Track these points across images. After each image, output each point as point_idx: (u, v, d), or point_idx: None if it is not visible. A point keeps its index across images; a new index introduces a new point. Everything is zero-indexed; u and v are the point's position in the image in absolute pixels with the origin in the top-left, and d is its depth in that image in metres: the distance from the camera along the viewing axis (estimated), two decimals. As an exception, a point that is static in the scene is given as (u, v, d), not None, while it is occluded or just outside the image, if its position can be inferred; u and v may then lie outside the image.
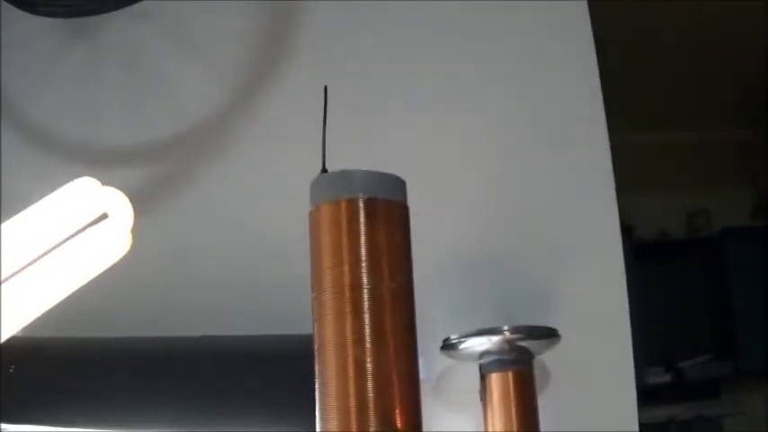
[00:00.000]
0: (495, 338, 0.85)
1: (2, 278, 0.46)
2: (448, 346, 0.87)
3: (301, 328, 0.74)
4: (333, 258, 0.59)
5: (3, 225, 0.47)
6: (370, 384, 0.57)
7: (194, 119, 1.01)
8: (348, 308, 0.58)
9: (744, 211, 3.13)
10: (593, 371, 0.97)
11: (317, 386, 0.59)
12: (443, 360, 0.91)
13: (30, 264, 0.47)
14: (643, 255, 2.69)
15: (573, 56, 1.06)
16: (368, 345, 0.57)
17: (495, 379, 0.87)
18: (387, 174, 0.61)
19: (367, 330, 0.57)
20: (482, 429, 0.87)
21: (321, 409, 0.58)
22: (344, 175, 0.60)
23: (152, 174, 1.00)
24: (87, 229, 0.49)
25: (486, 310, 0.93)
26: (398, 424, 0.57)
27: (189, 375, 0.85)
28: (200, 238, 0.98)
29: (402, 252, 0.60)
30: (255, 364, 0.84)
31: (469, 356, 0.88)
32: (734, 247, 2.92)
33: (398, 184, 0.61)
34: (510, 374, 0.87)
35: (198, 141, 1.02)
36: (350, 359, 0.57)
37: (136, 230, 0.97)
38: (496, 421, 0.87)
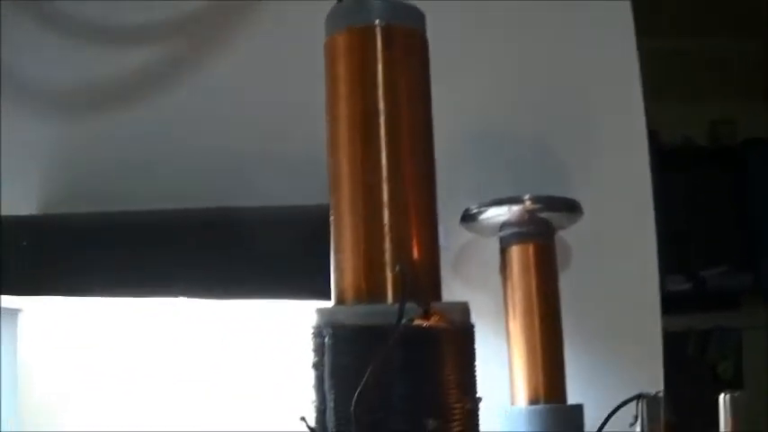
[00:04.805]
0: (516, 208, 0.82)
1: None
2: (467, 218, 0.85)
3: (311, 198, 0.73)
4: (347, 85, 0.57)
5: None
6: (385, 212, 0.55)
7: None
8: (362, 135, 0.56)
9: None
10: (617, 253, 0.95)
11: (331, 219, 0.58)
12: (463, 235, 0.89)
13: None
14: (666, 160, 2.61)
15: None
16: (384, 173, 0.55)
17: (515, 251, 0.85)
18: (404, 2, 0.58)
19: (383, 158, 0.56)
20: (501, 305, 0.86)
21: (336, 240, 0.57)
22: (361, 2, 0.58)
23: (163, 51, 0.98)
24: None
25: (509, 186, 0.90)
26: (415, 253, 0.56)
27: (203, 244, 0.85)
28: (209, 111, 0.97)
29: (421, 80, 0.58)
30: (268, 233, 0.83)
31: (489, 229, 0.86)
32: (756, 158, 2.85)
33: (416, 13, 0.59)
34: (531, 247, 0.85)
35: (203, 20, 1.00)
36: (365, 187, 0.56)
37: (149, 105, 0.97)
38: (516, 296, 0.85)
